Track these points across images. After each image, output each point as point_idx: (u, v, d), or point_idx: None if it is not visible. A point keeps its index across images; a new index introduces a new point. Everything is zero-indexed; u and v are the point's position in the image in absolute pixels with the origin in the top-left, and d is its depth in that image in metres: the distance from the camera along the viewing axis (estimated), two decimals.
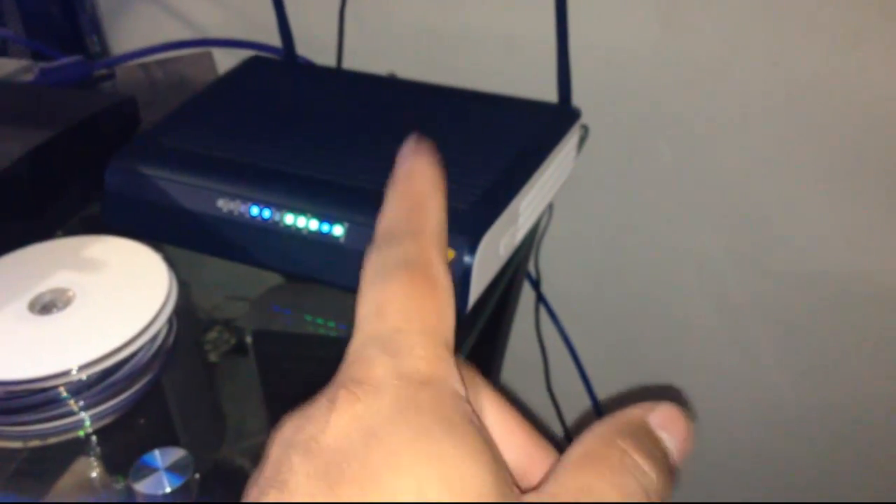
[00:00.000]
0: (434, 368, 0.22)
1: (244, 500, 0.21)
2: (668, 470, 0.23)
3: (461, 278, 0.48)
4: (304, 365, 0.56)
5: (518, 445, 0.25)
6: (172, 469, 0.42)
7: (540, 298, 0.89)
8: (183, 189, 0.55)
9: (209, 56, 0.85)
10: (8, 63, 0.86)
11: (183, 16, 0.90)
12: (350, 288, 0.53)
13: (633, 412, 0.24)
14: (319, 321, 0.58)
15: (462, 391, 0.23)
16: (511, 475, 0.22)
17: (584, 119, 0.62)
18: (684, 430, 0.24)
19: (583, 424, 0.25)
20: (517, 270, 0.69)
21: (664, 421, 0.24)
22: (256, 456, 0.50)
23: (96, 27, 0.93)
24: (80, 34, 0.91)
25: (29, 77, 0.81)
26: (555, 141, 0.58)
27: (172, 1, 0.90)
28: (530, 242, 0.65)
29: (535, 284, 0.88)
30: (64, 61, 0.81)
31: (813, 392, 0.85)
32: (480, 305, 0.53)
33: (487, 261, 0.51)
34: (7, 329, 0.47)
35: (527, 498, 0.22)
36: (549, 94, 0.63)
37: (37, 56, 0.88)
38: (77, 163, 0.63)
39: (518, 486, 0.22)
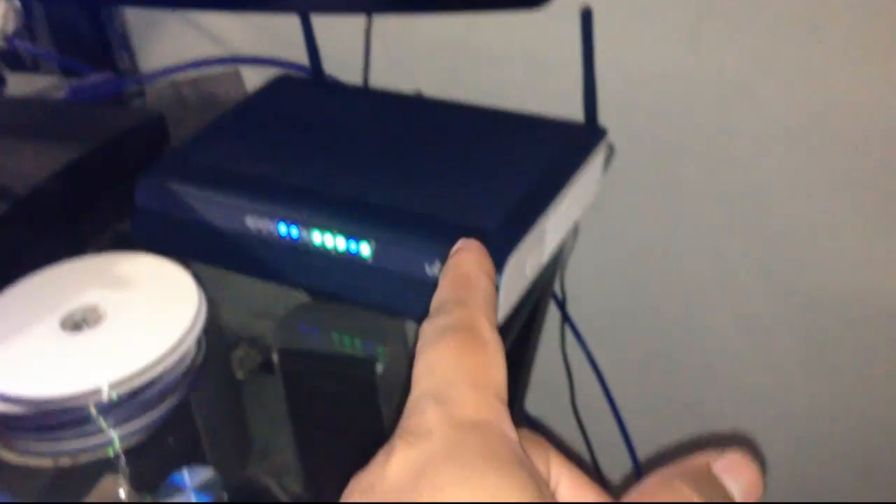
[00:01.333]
0: (483, 414, 0.24)
1: None
2: None
3: None
4: (330, 383, 0.56)
5: None
6: (201, 488, 0.43)
7: (566, 319, 0.89)
8: (212, 206, 0.56)
9: (237, 74, 0.86)
10: (39, 79, 0.87)
11: (211, 33, 0.91)
12: (377, 306, 0.53)
13: (699, 458, 0.25)
14: (346, 340, 0.58)
15: (512, 435, 0.24)
16: None
17: (610, 138, 0.62)
18: (751, 476, 0.24)
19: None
20: (543, 291, 0.69)
21: (729, 466, 0.24)
22: (282, 473, 0.50)
23: (126, 44, 0.94)
24: (111, 51, 0.92)
25: (59, 93, 0.82)
26: (581, 160, 0.58)
27: (201, 19, 0.91)
28: (556, 262, 0.65)
29: (561, 305, 0.88)
30: (94, 78, 0.82)
31: (844, 410, 0.85)
32: (507, 326, 0.53)
33: (514, 281, 0.51)
34: (39, 346, 0.47)
35: None
36: (575, 113, 0.63)
37: (67, 72, 0.89)
38: (107, 179, 0.63)
39: None
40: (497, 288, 0.48)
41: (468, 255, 0.30)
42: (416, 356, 0.26)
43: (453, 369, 0.25)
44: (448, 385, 0.24)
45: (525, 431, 0.25)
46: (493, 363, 0.26)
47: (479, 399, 0.24)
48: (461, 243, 0.31)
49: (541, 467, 0.25)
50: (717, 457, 0.24)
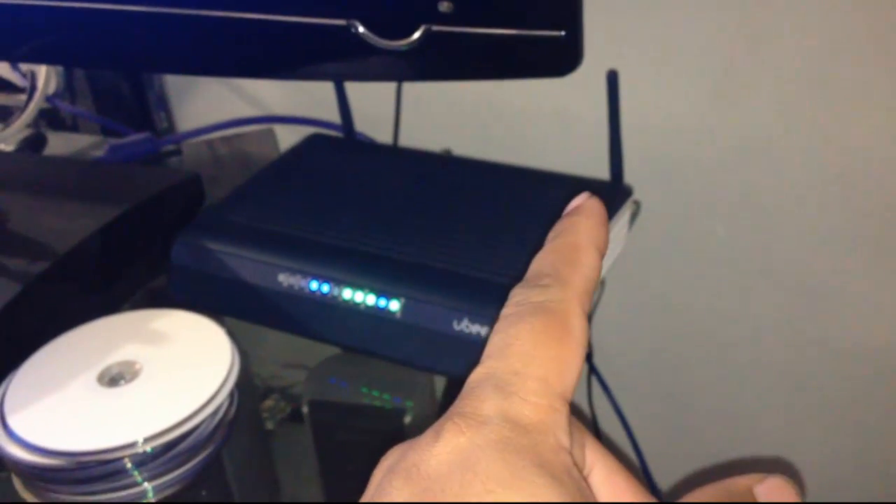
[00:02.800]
0: (542, 416, 0.22)
1: None
2: None
3: None
4: (358, 436, 0.57)
5: (621, 495, 0.25)
6: None
7: (592, 370, 0.89)
8: (245, 264, 0.57)
9: (271, 133, 0.88)
10: (79, 139, 0.89)
11: (246, 94, 0.93)
12: (405, 362, 0.54)
13: (740, 480, 0.24)
14: (375, 393, 0.59)
15: (567, 444, 0.22)
16: None
17: (636, 194, 0.63)
18: (792, 501, 0.23)
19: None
20: None
21: (771, 491, 0.23)
22: None
23: (164, 105, 0.96)
24: (149, 111, 0.95)
25: (99, 153, 0.84)
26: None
27: (237, 80, 0.93)
28: None
29: (588, 356, 0.88)
30: (133, 138, 0.84)
31: (867, 466, 0.84)
32: None
33: None
34: (76, 400, 0.49)
35: None
36: (602, 171, 0.64)
37: (106, 132, 0.91)
38: (144, 237, 0.65)
39: None
40: None
41: (584, 222, 0.27)
42: (496, 325, 0.24)
43: (527, 356, 0.23)
44: (516, 374, 0.23)
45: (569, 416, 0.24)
46: (572, 360, 0.23)
47: (543, 399, 0.22)
48: (582, 199, 0.28)
49: (576, 452, 0.24)
50: (759, 480, 0.24)
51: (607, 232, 0.27)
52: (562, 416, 0.23)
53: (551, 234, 0.27)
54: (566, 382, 0.23)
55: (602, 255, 0.26)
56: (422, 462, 0.21)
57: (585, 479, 0.24)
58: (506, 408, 0.22)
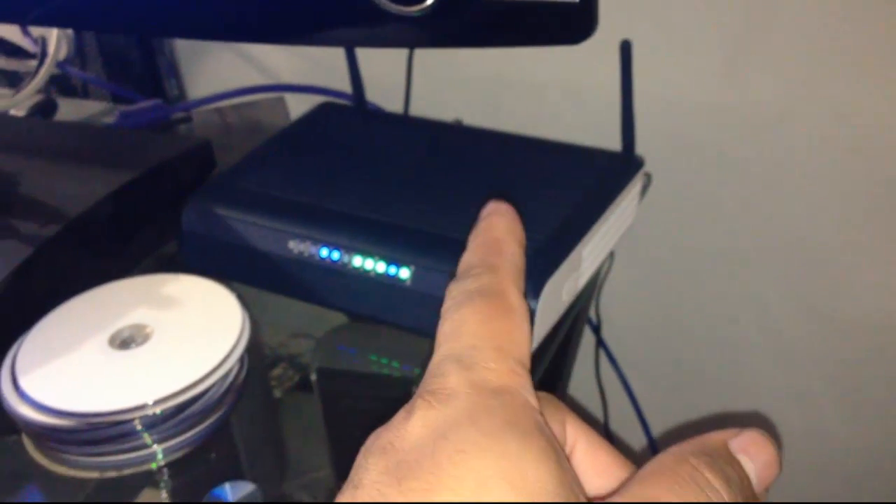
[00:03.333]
0: (506, 380, 0.24)
1: None
2: (745, 493, 0.23)
3: None
4: (366, 403, 0.57)
5: (605, 469, 0.26)
6: (241, 502, 0.44)
7: (600, 343, 0.89)
8: (255, 230, 0.57)
9: (282, 101, 0.88)
10: (89, 105, 0.89)
11: (257, 62, 0.93)
12: (415, 329, 0.54)
13: (715, 435, 0.24)
14: (384, 361, 0.59)
15: (534, 403, 0.24)
16: (579, 484, 0.23)
17: (647, 167, 0.63)
18: (768, 455, 0.24)
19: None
20: (578, 315, 0.70)
21: (746, 445, 0.24)
22: (318, 490, 0.51)
23: (174, 72, 0.96)
24: (159, 78, 0.95)
25: (109, 119, 0.84)
26: (618, 189, 0.59)
27: (247, 48, 0.93)
28: (592, 288, 0.66)
29: (596, 329, 0.88)
30: (143, 104, 0.84)
31: (872, 436, 0.84)
32: (543, 349, 0.54)
33: (550, 306, 0.51)
34: (87, 363, 0.49)
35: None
36: (613, 143, 0.64)
37: (117, 99, 0.92)
38: (155, 203, 0.65)
39: (585, 495, 0.23)
40: (533, 312, 0.49)
41: (499, 220, 0.30)
42: (442, 317, 0.26)
43: (478, 333, 0.25)
44: (472, 348, 0.24)
45: (542, 394, 0.25)
46: (519, 329, 0.25)
47: (503, 364, 0.24)
48: (492, 206, 0.31)
49: (556, 429, 0.25)
50: (734, 435, 0.24)
51: (522, 227, 0.30)
52: (524, 379, 0.24)
53: (472, 236, 0.30)
54: (521, 350, 0.25)
55: (522, 247, 0.29)
56: (396, 438, 0.22)
57: (567, 454, 0.25)
58: (471, 378, 0.23)
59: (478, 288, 0.26)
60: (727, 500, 0.22)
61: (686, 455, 0.23)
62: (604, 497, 0.25)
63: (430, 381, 0.24)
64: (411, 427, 0.22)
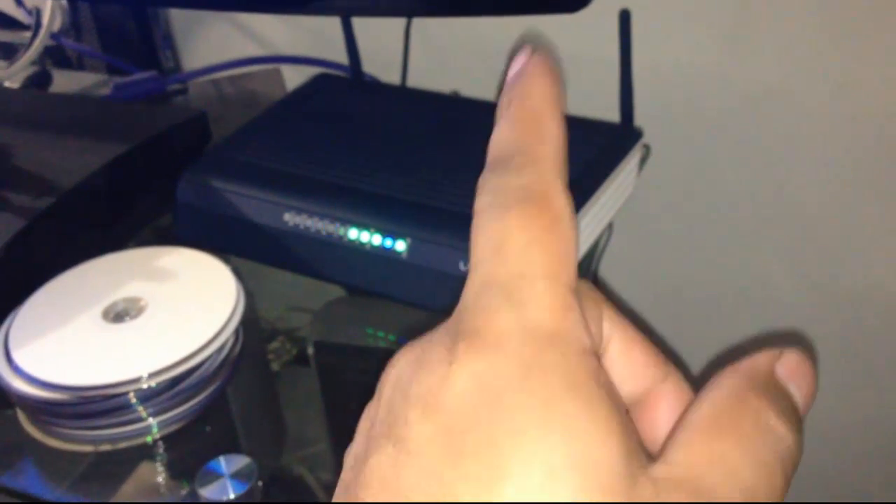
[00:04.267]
0: (560, 322, 0.19)
1: (357, 440, 0.20)
2: (799, 428, 0.21)
3: None
4: (363, 377, 0.57)
5: (640, 371, 0.24)
6: (237, 476, 0.43)
7: None
8: (251, 202, 0.57)
9: (278, 72, 0.87)
10: (84, 77, 0.89)
11: (253, 33, 0.92)
12: (411, 302, 0.54)
13: (761, 360, 0.22)
14: (380, 334, 0.59)
15: (588, 343, 0.20)
16: (639, 442, 0.20)
17: (646, 138, 0.63)
18: (811, 381, 0.21)
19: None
20: None
21: (792, 371, 0.21)
22: (315, 464, 0.51)
23: (170, 43, 0.96)
24: (155, 50, 0.94)
25: (104, 91, 0.83)
26: (616, 160, 0.58)
27: (243, 19, 0.92)
28: (590, 260, 0.66)
29: None
30: (138, 76, 0.83)
31: (877, 410, 0.84)
32: None
33: None
34: (81, 336, 0.49)
35: (657, 472, 0.19)
36: (612, 114, 0.63)
37: (112, 70, 0.91)
38: (149, 175, 0.65)
39: (646, 453, 0.20)
40: None
41: (540, 83, 0.23)
42: (476, 223, 0.21)
43: (526, 256, 0.20)
44: (521, 277, 0.20)
45: (580, 285, 0.21)
46: (568, 247, 0.20)
47: (556, 300, 0.19)
48: (525, 57, 0.24)
49: (593, 324, 0.22)
50: (776, 357, 0.22)
51: (563, 88, 0.23)
52: (578, 314, 0.20)
53: (503, 103, 0.23)
54: (570, 273, 0.20)
55: (563, 115, 0.23)
56: (439, 391, 0.19)
57: (601, 354, 0.22)
58: (521, 320, 0.19)
59: (521, 187, 0.21)
60: (791, 445, 0.20)
61: (744, 394, 0.21)
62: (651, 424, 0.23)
63: (471, 314, 0.20)
64: (456, 378, 0.19)
